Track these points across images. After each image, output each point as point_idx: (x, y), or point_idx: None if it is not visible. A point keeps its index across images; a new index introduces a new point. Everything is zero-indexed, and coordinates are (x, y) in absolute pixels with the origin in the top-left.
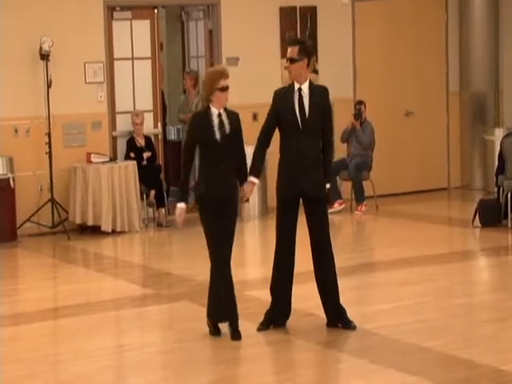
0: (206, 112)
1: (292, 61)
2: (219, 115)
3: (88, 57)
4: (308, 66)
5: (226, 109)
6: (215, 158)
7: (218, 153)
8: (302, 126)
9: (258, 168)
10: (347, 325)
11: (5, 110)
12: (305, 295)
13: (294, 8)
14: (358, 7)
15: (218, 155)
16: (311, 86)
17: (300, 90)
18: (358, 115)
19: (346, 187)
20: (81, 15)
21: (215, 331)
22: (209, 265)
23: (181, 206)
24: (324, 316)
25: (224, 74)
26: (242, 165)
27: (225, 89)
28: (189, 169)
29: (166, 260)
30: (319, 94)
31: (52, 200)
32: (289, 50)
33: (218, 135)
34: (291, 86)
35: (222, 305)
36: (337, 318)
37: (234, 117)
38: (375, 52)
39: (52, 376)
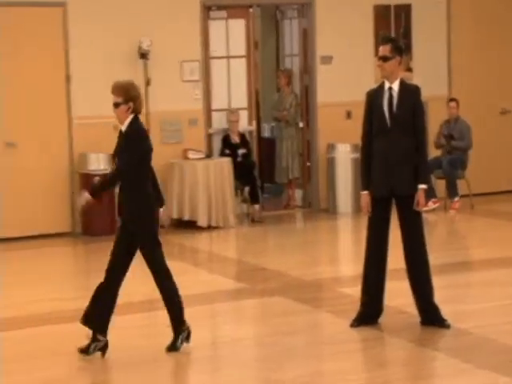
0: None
1: (384, 59)
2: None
3: (185, 56)
4: (400, 63)
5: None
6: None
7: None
8: (391, 125)
9: (368, 182)
10: (441, 323)
11: (105, 109)
12: (398, 292)
13: (388, 6)
14: (453, 4)
15: None
16: (402, 84)
17: (390, 89)
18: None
19: (440, 186)
20: (178, 15)
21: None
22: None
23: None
24: (417, 314)
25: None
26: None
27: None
28: None
29: (261, 255)
30: (410, 92)
31: None
32: (381, 48)
33: None
34: (382, 85)
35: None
36: (430, 316)
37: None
38: (471, 49)
39: (149, 365)
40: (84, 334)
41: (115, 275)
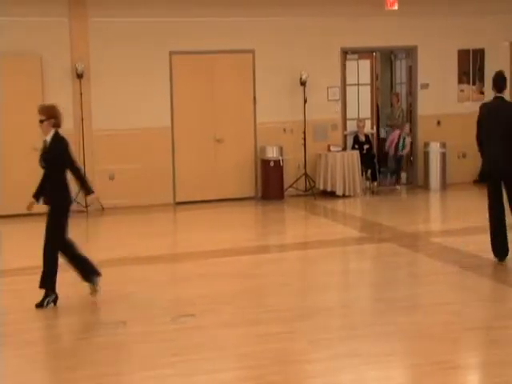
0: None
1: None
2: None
3: (329, 83)
4: None
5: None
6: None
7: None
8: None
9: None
10: None
11: (278, 117)
12: None
13: (468, 50)
14: None
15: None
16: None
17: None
18: None
19: None
20: (326, 56)
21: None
22: None
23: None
24: None
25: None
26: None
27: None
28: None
29: (377, 215)
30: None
31: (305, 174)
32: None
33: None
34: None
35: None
36: None
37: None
38: None
39: (297, 285)
40: None
41: None
